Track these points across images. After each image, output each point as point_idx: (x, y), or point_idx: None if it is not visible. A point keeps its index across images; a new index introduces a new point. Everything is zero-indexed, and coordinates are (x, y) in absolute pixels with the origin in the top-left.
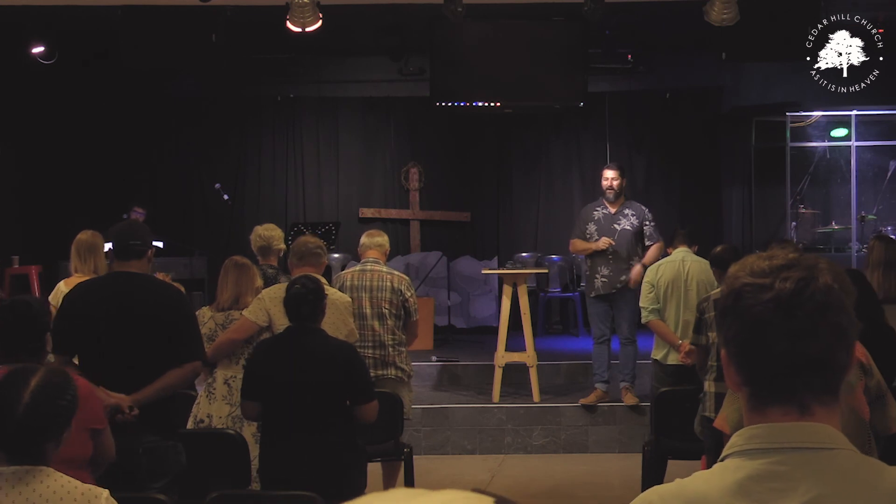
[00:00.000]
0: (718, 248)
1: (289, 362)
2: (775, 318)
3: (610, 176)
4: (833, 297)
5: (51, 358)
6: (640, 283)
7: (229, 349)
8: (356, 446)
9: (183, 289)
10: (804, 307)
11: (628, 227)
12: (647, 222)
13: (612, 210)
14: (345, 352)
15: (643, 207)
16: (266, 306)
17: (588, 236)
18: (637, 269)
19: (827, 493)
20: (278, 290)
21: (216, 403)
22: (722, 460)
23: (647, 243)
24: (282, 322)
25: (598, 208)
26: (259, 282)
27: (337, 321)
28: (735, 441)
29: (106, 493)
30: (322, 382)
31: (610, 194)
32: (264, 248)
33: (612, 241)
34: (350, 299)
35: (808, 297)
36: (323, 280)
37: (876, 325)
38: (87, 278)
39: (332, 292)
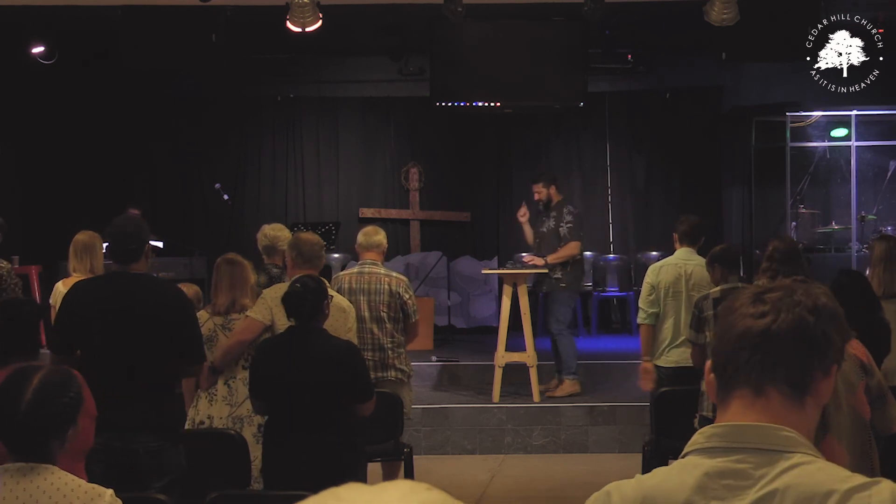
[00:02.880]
0: (717, 248)
1: (291, 362)
2: (746, 304)
3: (535, 190)
4: (810, 300)
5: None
6: (532, 264)
7: (239, 351)
8: (356, 446)
9: (199, 291)
10: (772, 294)
11: (545, 230)
12: (563, 223)
13: (542, 213)
14: (346, 351)
15: (565, 209)
16: (269, 306)
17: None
18: (534, 258)
19: (781, 490)
20: (280, 289)
21: (217, 405)
22: (683, 457)
23: (560, 244)
24: (283, 322)
25: (539, 209)
26: (254, 277)
27: (337, 325)
28: (696, 439)
29: (110, 492)
30: (323, 382)
31: (540, 205)
32: (269, 247)
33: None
34: (351, 305)
35: (785, 292)
36: (326, 282)
37: (874, 321)
38: (84, 278)
39: (338, 298)
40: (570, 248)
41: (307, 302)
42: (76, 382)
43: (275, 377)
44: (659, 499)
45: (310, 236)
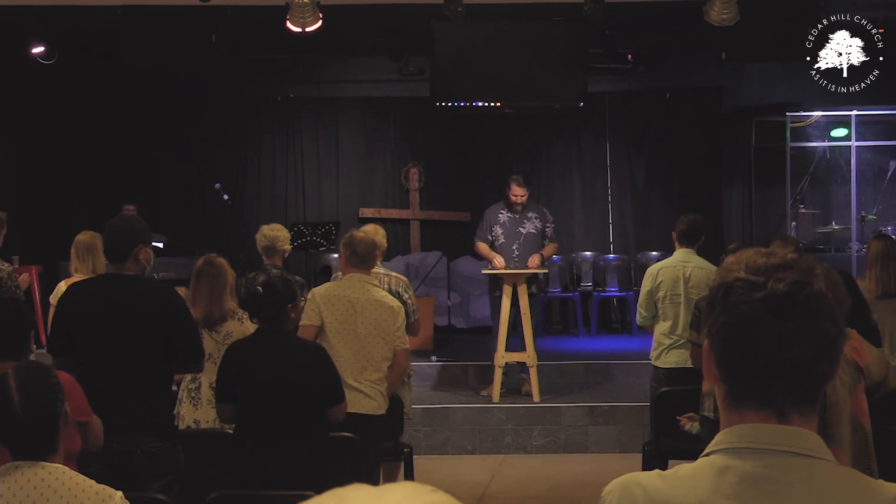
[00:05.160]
0: (733, 245)
1: (255, 364)
2: (765, 318)
3: (520, 193)
4: (825, 305)
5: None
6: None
7: None
8: (328, 448)
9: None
10: (795, 311)
11: (532, 230)
12: (549, 224)
13: (517, 214)
14: (313, 353)
15: (545, 210)
16: (318, 304)
17: (493, 238)
18: (536, 257)
19: (817, 500)
20: (328, 288)
21: (202, 409)
22: (706, 455)
23: (545, 243)
24: (330, 321)
25: (502, 211)
26: (232, 274)
27: (385, 325)
28: (725, 438)
29: (119, 494)
30: (289, 384)
31: (518, 207)
32: (268, 247)
33: (504, 264)
34: (401, 305)
35: (801, 301)
36: (372, 280)
37: (864, 323)
38: (85, 278)
39: (387, 297)
40: (555, 248)
41: (267, 305)
42: (50, 368)
43: (240, 379)
44: None
45: (365, 236)
